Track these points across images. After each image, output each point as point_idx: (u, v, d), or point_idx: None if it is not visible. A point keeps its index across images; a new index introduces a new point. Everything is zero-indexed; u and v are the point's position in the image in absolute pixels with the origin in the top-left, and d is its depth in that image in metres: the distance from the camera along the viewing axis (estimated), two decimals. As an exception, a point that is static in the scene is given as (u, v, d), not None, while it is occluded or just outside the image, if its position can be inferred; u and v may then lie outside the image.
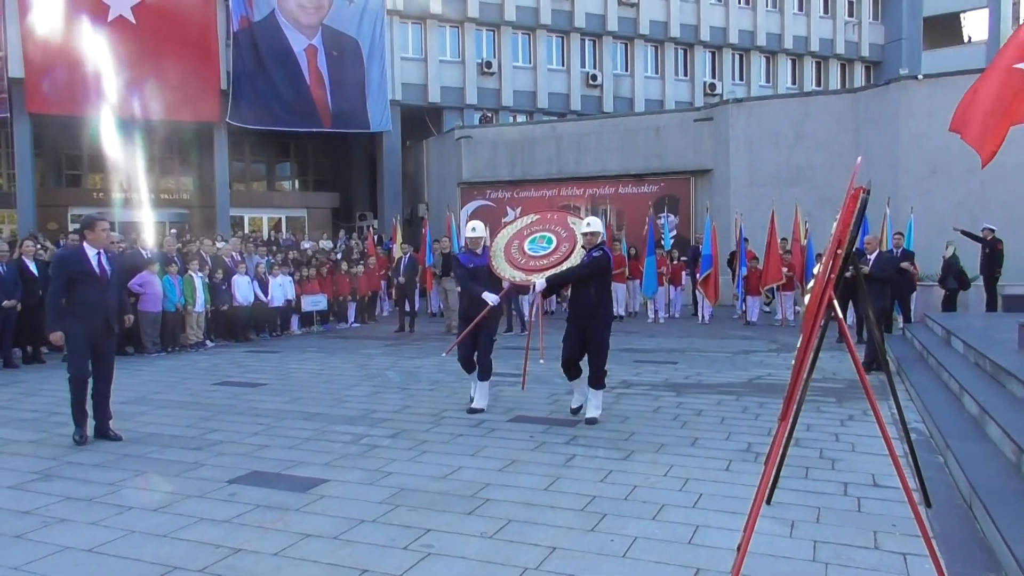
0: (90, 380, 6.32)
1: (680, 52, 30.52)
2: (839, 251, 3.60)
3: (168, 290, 12.13)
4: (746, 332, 14.19)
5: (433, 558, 3.93)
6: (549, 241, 7.28)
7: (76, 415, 6.31)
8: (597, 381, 6.87)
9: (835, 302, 3.71)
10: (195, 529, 4.35)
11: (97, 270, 6.25)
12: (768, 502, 4.53)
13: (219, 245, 14.89)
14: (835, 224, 3.73)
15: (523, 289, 7.54)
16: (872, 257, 10.24)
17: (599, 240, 6.88)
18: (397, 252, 16.56)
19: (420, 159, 25.94)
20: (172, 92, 21.51)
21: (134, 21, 21.08)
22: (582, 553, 3.98)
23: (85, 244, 6.35)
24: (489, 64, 26.68)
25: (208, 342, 12.93)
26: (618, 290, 16.74)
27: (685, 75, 30.62)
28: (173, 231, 18.87)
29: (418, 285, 16.36)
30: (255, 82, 22.71)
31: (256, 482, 5.22)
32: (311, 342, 13.65)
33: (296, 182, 29.87)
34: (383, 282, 17.67)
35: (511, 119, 27.09)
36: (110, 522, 4.46)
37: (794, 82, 32.32)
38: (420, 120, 26.65)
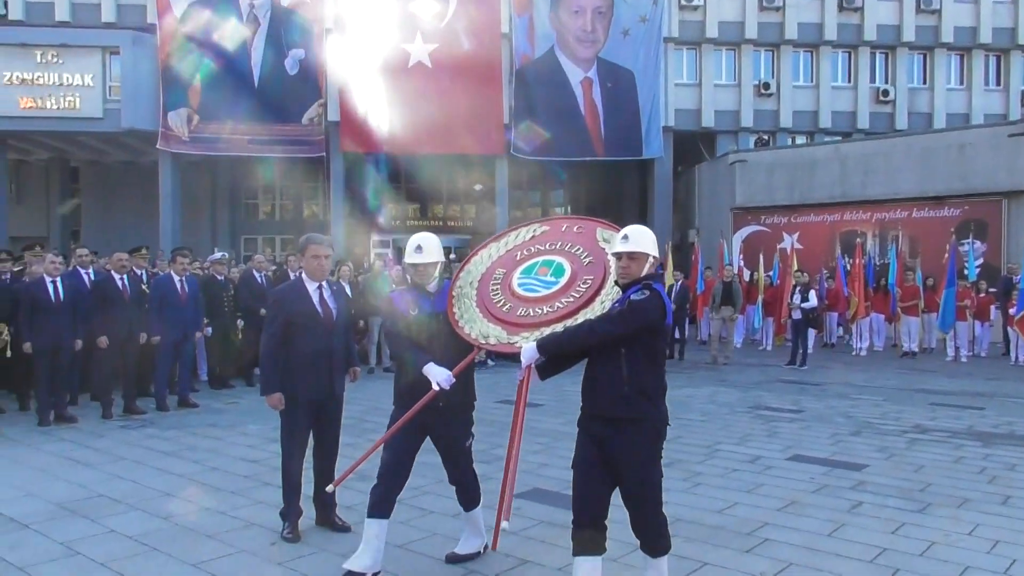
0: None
1: (991, 60, 27.34)
2: None
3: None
4: (1072, 377, 12.33)
5: (711, 592, 3.95)
6: (559, 271, 4.16)
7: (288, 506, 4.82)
8: (654, 544, 3.69)
9: None
10: (487, 538, 4.74)
11: (320, 309, 4.75)
12: (1102, 578, 3.97)
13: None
14: None
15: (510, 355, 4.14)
16: None
17: (645, 269, 3.72)
18: (668, 279, 16.59)
19: (692, 184, 25.74)
20: (461, 128, 23.38)
21: (430, 65, 23.28)
22: (872, 608, 3.78)
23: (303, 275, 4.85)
24: (767, 85, 25.84)
25: (489, 361, 13.85)
26: (911, 324, 15.41)
27: (997, 84, 27.33)
28: (452, 256, 20.48)
29: (688, 312, 16.25)
30: (534, 115, 24.01)
31: (539, 499, 5.56)
32: (583, 365, 14.07)
33: (568, 208, 30.99)
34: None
35: (789, 141, 25.98)
36: (416, 523, 5.01)
37: None
38: (692, 145, 26.47)
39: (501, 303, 4.16)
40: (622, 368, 3.57)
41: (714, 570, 4.24)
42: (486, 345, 4.11)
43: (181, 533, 4.83)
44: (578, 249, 4.25)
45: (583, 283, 4.06)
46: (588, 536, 3.59)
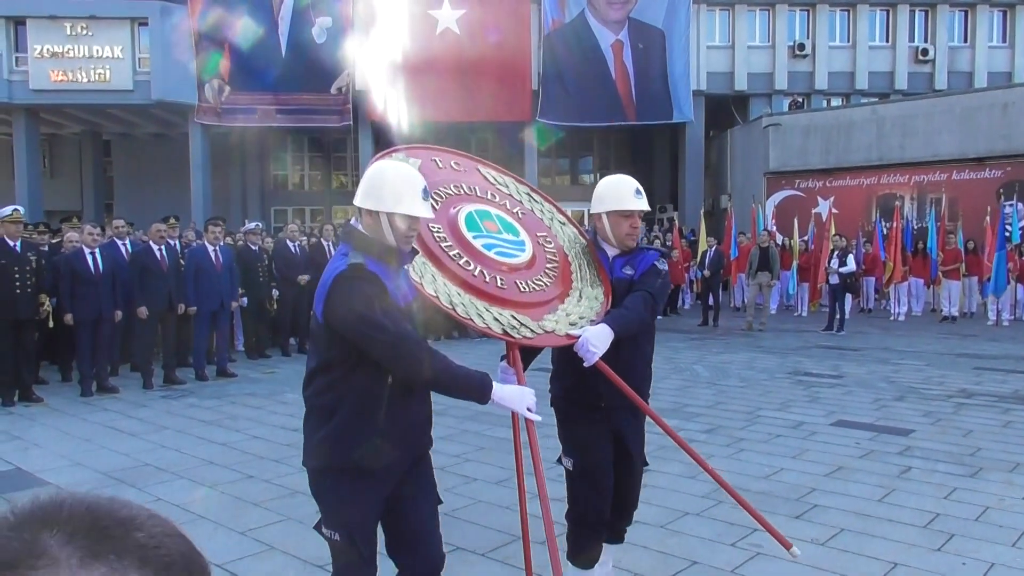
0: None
1: (1034, 15, 26.42)
2: None
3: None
4: (1120, 341, 12.03)
5: (763, 558, 3.90)
6: (508, 226, 3.19)
7: None
8: (626, 527, 3.54)
9: None
10: (534, 504, 4.72)
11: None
12: None
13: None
14: None
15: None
16: None
17: (642, 230, 3.43)
18: (702, 244, 16.41)
19: (724, 149, 25.33)
20: (489, 95, 23.14)
21: (458, 32, 23.02)
22: (929, 573, 3.70)
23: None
24: (802, 46, 25.21)
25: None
26: (951, 288, 15.10)
27: (1040, 41, 26.46)
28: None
29: (722, 278, 16.11)
30: (563, 80, 23.70)
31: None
32: (616, 332, 14.00)
33: (597, 175, 30.66)
34: (686, 275, 17.66)
35: (824, 103, 25.41)
36: (459, 490, 5.00)
37: None
38: (724, 109, 25.99)
39: (490, 277, 2.92)
40: (645, 347, 3.27)
41: (764, 536, 4.14)
42: (523, 341, 2.86)
43: (227, 501, 4.87)
44: (493, 195, 3.34)
45: (546, 242, 3.28)
46: (602, 531, 3.32)
